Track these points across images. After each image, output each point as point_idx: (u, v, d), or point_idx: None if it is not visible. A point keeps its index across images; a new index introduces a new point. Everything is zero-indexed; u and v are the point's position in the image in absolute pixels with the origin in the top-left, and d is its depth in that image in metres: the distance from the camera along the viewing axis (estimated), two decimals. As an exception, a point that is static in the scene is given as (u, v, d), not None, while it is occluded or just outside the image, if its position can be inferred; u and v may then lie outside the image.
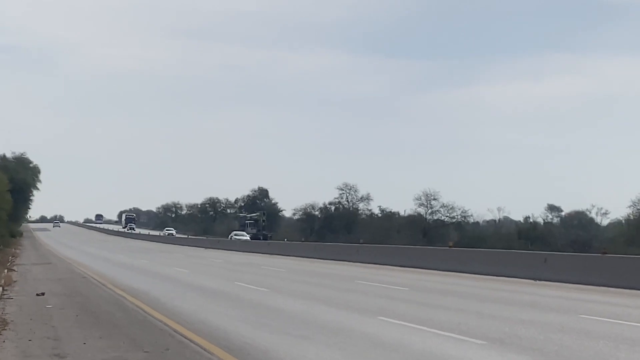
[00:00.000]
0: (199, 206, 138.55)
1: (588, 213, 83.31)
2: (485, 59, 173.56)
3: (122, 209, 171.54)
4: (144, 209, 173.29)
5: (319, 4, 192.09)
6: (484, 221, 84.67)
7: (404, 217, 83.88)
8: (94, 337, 9.27)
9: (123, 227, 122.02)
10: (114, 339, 9.12)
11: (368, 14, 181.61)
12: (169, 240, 78.08)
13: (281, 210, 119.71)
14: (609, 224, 77.82)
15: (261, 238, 68.21)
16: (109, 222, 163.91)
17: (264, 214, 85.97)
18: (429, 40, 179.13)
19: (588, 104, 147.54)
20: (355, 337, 9.34)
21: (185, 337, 9.27)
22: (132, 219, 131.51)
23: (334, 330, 10.06)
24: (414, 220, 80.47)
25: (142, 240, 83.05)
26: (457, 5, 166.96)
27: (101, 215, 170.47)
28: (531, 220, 74.59)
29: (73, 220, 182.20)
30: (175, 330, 9.98)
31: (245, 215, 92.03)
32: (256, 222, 79.75)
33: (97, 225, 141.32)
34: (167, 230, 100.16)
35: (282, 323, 11.02)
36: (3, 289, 16.39)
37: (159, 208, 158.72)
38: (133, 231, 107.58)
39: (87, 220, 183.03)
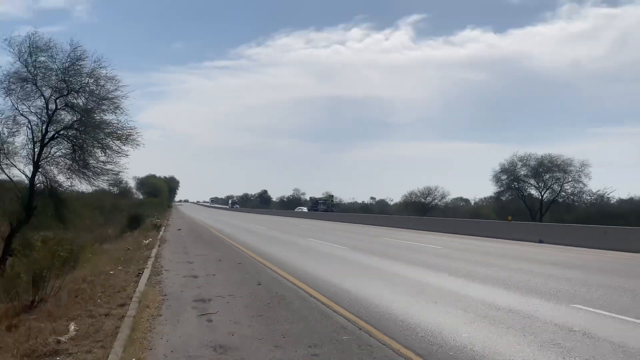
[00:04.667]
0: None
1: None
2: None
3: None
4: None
5: None
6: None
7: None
8: (201, 247, 21.85)
9: (230, 207, 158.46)
10: (208, 246, 21.63)
11: None
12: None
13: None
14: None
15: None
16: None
17: (331, 196, 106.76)
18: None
19: None
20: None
21: (258, 261, 21.48)
22: (236, 202, 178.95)
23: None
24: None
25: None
26: None
27: (215, 199, 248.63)
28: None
29: (194, 201, 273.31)
30: (232, 244, 22.23)
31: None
32: (325, 202, 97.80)
33: (209, 205, 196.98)
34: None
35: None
36: (164, 228, 30.99)
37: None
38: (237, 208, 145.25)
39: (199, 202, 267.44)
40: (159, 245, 21.60)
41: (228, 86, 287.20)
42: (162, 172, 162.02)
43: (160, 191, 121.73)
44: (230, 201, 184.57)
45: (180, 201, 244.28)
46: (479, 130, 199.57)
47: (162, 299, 9.75)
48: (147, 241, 23.42)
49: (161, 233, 29.11)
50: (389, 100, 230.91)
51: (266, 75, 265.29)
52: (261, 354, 6.16)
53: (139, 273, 12.92)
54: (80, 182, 17.90)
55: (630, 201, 60.03)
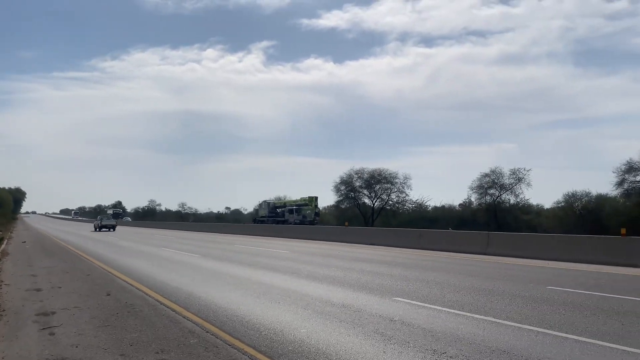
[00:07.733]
0: None
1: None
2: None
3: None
4: None
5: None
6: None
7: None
8: (46, 259, 19.76)
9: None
10: (55, 259, 19.64)
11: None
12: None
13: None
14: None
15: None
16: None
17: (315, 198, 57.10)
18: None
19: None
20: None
21: (108, 272, 19.76)
22: (120, 212, 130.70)
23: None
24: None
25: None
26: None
27: (78, 212, 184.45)
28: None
29: (43, 213, 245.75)
30: (82, 255, 20.46)
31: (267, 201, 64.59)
32: (300, 209, 56.02)
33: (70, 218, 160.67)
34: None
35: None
36: (7, 240, 27.31)
37: None
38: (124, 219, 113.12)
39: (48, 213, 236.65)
40: (0, 259, 19.17)
41: (80, 97, 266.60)
42: (6, 183, 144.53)
43: (4, 202, 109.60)
44: (112, 211, 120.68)
45: (27, 213, 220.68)
46: (321, 147, 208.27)
47: (-1, 315, 8.63)
48: (-14, 255, 20.65)
49: (3, 246, 25.82)
50: (242, 117, 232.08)
51: (120, 88, 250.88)
52: (106, 364, 5.71)
53: (-26, 289, 11.32)
54: None
55: (442, 208, 66.69)
